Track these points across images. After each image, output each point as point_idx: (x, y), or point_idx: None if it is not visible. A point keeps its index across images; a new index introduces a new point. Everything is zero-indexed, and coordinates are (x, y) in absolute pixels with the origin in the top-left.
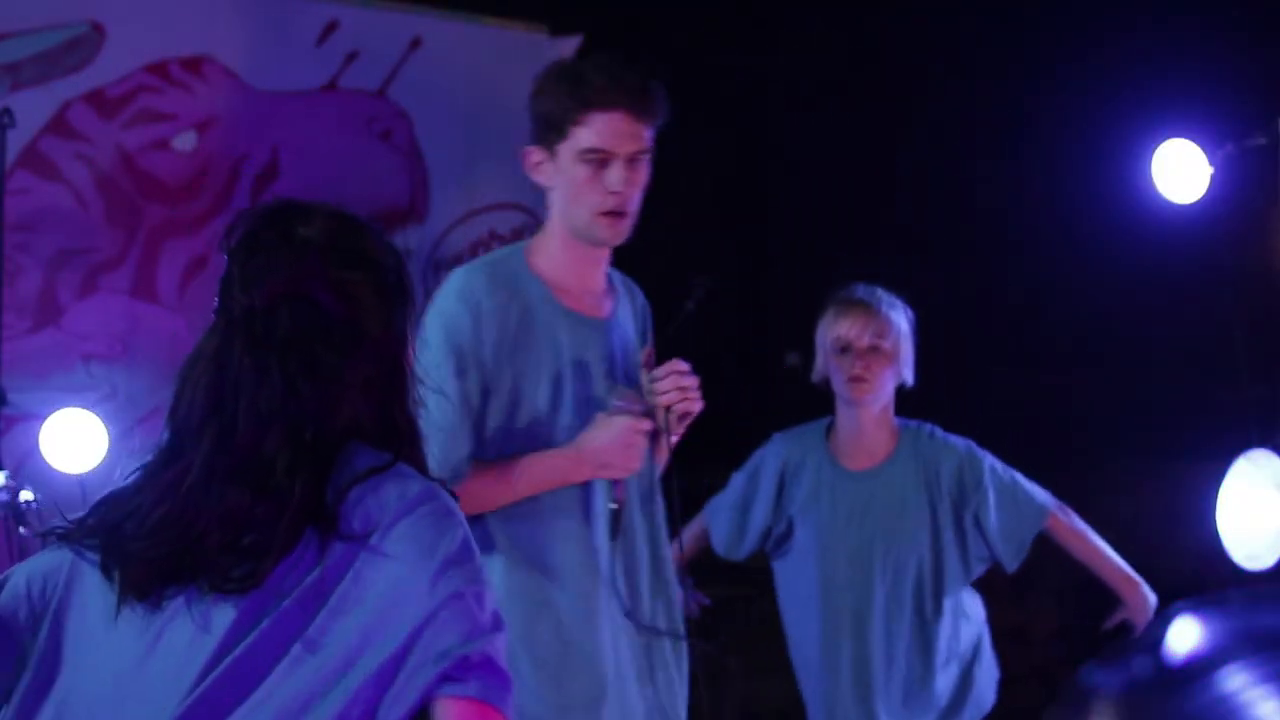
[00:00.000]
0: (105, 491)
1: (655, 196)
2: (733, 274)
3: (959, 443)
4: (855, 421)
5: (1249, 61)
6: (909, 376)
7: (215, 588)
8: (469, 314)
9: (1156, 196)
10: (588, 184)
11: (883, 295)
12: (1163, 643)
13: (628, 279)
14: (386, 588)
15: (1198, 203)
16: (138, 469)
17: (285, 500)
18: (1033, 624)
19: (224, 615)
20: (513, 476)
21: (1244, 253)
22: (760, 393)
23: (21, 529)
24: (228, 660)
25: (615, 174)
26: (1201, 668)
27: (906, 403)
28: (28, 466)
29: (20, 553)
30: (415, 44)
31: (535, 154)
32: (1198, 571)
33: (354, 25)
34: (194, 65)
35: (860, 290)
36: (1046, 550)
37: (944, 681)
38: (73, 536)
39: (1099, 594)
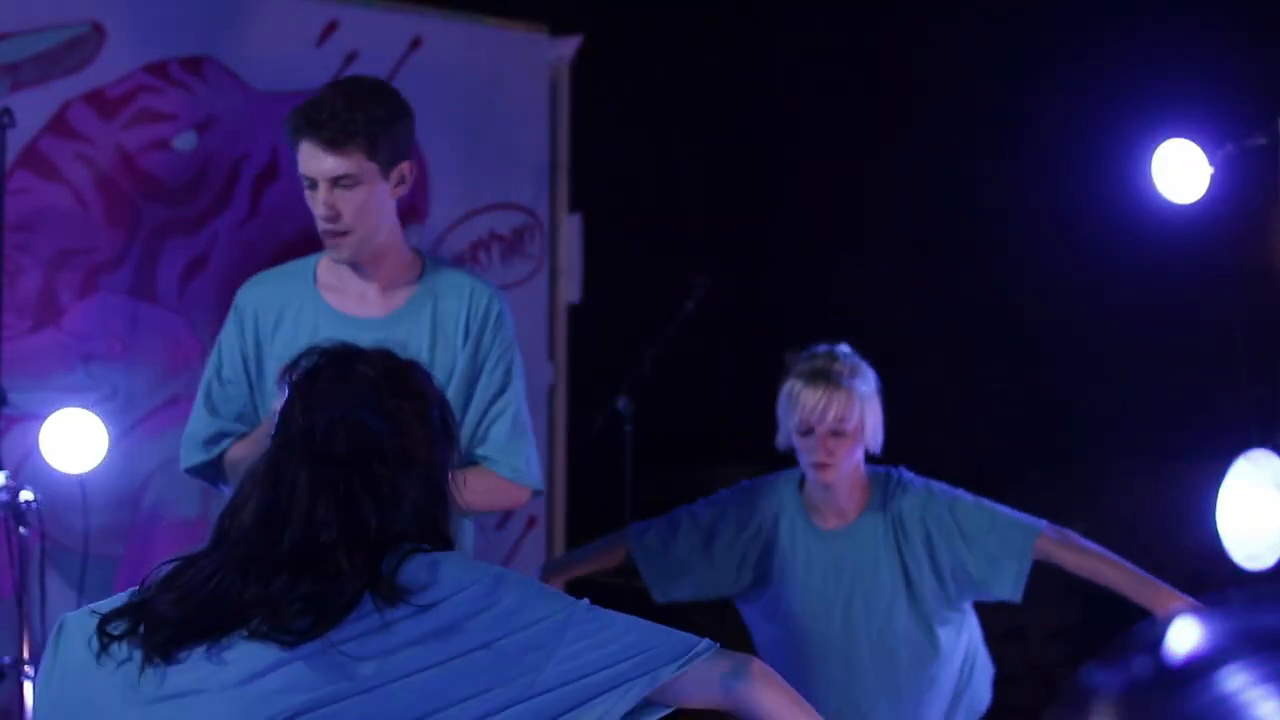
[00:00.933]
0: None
1: (655, 196)
2: (733, 274)
3: (920, 486)
4: (824, 489)
5: (1249, 61)
6: (876, 445)
7: (267, 634)
8: (234, 316)
9: (1156, 196)
10: (310, 206)
11: (845, 364)
12: (1163, 643)
13: (477, 284)
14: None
15: (1198, 203)
16: (172, 563)
17: (340, 572)
18: (1033, 624)
19: (256, 657)
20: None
21: (1244, 253)
22: (760, 393)
23: (21, 529)
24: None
25: (317, 197)
26: (1201, 668)
27: (907, 402)
28: (28, 466)
29: (20, 553)
30: (415, 44)
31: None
32: (1198, 571)
33: (354, 25)
34: (194, 65)
35: (821, 359)
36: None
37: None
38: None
39: (1099, 594)
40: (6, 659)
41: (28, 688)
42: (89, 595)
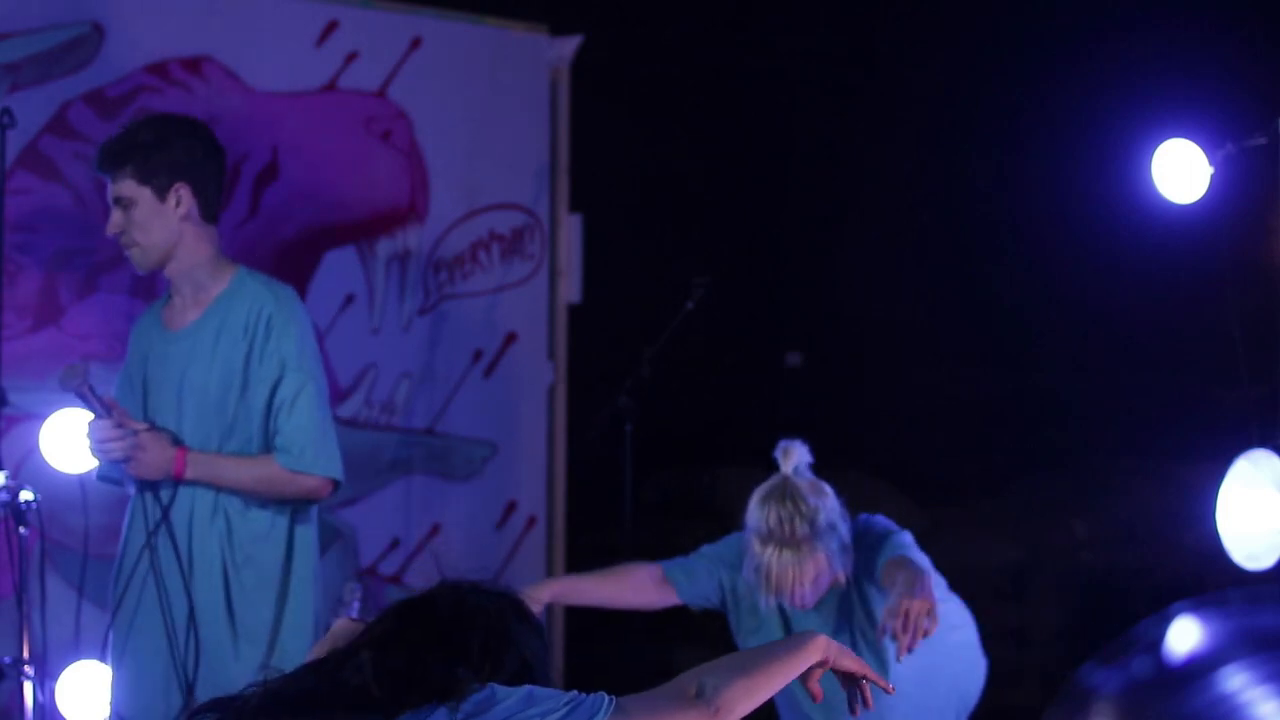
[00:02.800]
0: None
1: (655, 196)
2: (733, 274)
3: (886, 534)
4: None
5: (1249, 61)
6: (846, 568)
7: None
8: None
9: (1156, 196)
10: None
11: (804, 516)
12: (1163, 643)
13: (265, 291)
14: None
15: (1198, 203)
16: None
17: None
18: (1033, 624)
19: None
20: None
21: (1244, 253)
22: (760, 393)
23: (21, 529)
24: None
25: (111, 221)
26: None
27: (907, 402)
28: (28, 466)
29: (20, 553)
30: (415, 44)
31: None
32: (1198, 571)
33: (354, 25)
34: (194, 65)
35: (774, 510)
36: (1046, 550)
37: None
38: None
39: (1099, 594)
40: (6, 659)
41: (28, 688)
42: (89, 595)
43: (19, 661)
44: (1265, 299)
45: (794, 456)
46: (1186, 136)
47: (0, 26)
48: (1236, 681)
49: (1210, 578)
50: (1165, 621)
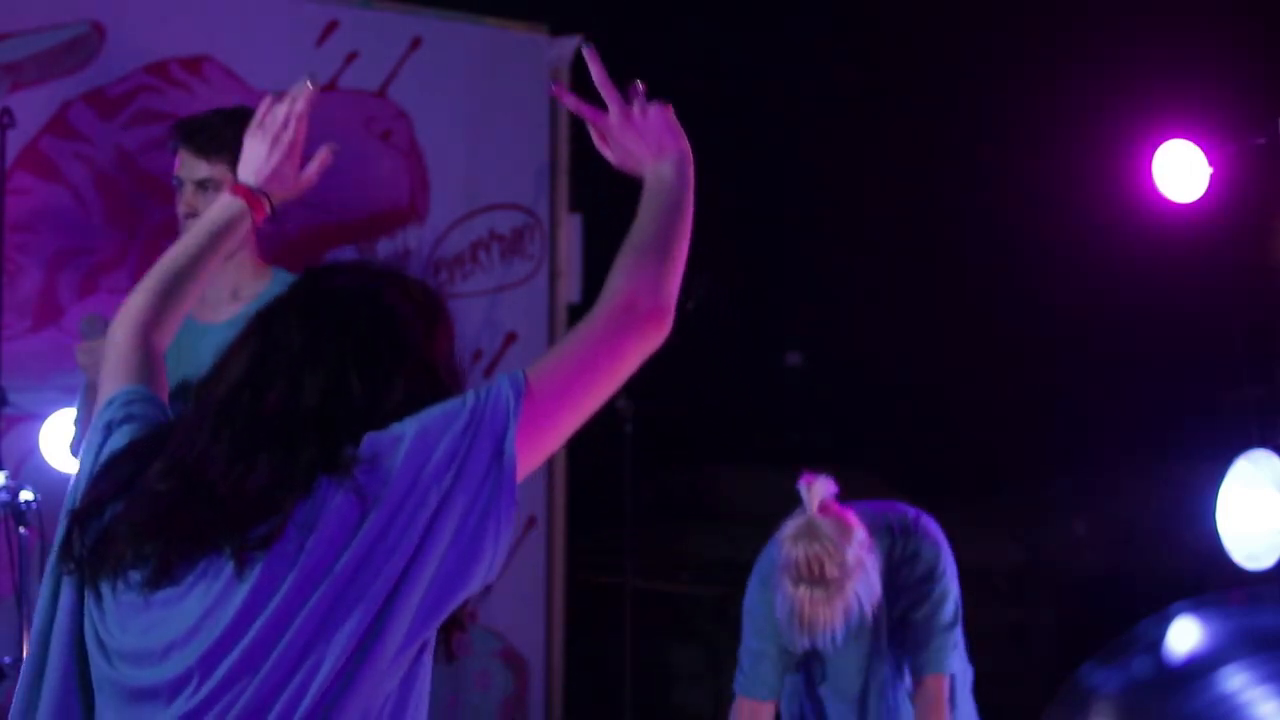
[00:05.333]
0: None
1: None
2: (733, 274)
3: (934, 545)
4: None
5: (1249, 61)
6: (871, 605)
7: (235, 553)
8: None
9: (1156, 196)
10: (177, 205)
11: (833, 556)
12: (1163, 643)
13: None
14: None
15: (1198, 203)
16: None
17: (302, 450)
18: (1033, 624)
19: (251, 570)
20: None
21: (1244, 253)
22: (760, 393)
23: (21, 529)
24: (272, 606)
25: (182, 195)
26: (1201, 668)
27: (908, 402)
28: (28, 466)
29: (20, 553)
30: (415, 44)
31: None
32: (1198, 571)
33: (354, 25)
34: (194, 65)
35: (803, 549)
36: (1046, 550)
37: None
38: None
39: (1099, 594)
40: (6, 659)
41: None
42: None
43: (19, 661)
44: (1265, 299)
45: (818, 492)
46: (1186, 136)
47: (0, 26)
48: (1236, 681)
49: (1210, 578)
50: (1165, 621)
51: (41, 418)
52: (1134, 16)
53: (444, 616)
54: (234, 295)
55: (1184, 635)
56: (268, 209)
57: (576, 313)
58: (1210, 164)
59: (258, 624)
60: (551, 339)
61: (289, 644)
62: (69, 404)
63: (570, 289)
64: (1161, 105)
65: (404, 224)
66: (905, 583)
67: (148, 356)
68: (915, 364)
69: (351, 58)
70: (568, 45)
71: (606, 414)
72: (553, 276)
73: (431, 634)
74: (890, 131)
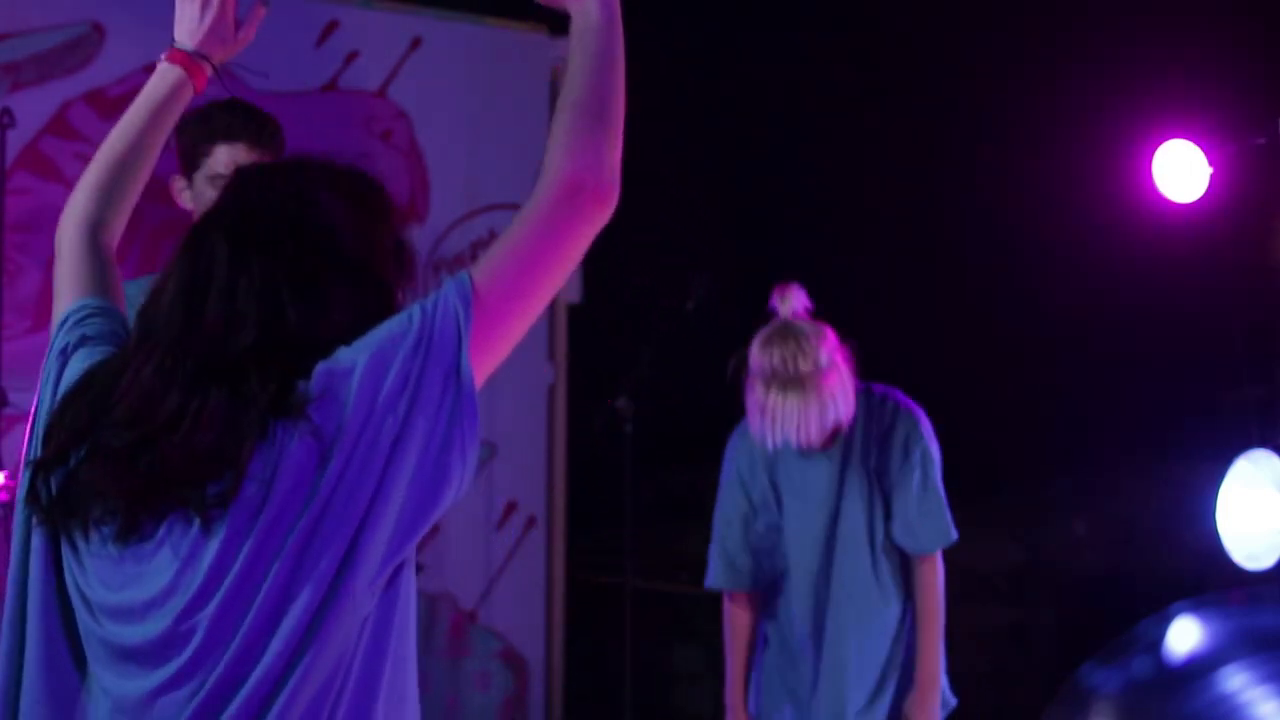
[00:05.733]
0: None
1: (655, 196)
2: (733, 274)
3: (910, 413)
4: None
5: (1249, 61)
6: (847, 411)
7: (198, 510)
8: None
9: (1156, 196)
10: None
11: (807, 355)
12: (1163, 643)
13: None
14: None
15: (1198, 203)
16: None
17: (252, 395)
18: (1033, 624)
19: (217, 525)
20: None
21: (1244, 253)
22: None
23: None
24: (237, 566)
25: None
26: (1201, 668)
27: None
28: None
29: None
30: (415, 44)
31: (177, 182)
32: (1198, 571)
33: (354, 25)
34: None
35: (778, 352)
36: (1046, 549)
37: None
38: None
39: (1099, 594)
40: None
41: None
42: None
43: None
44: (1265, 299)
45: (791, 300)
46: (1186, 136)
47: (0, 26)
48: (1236, 681)
49: (1210, 578)
50: (1165, 621)
51: None
52: (1134, 16)
53: (417, 539)
54: None
55: (1184, 635)
56: (209, 72)
57: (577, 312)
58: (1210, 164)
59: (229, 580)
60: (551, 339)
61: (264, 597)
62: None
63: (570, 289)
64: (1161, 105)
65: (404, 224)
66: (881, 446)
67: (100, 262)
68: (915, 364)
69: (351, 58)
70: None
71: (606, 414)
72: None
73: (410, 553)
74: (890, 131)
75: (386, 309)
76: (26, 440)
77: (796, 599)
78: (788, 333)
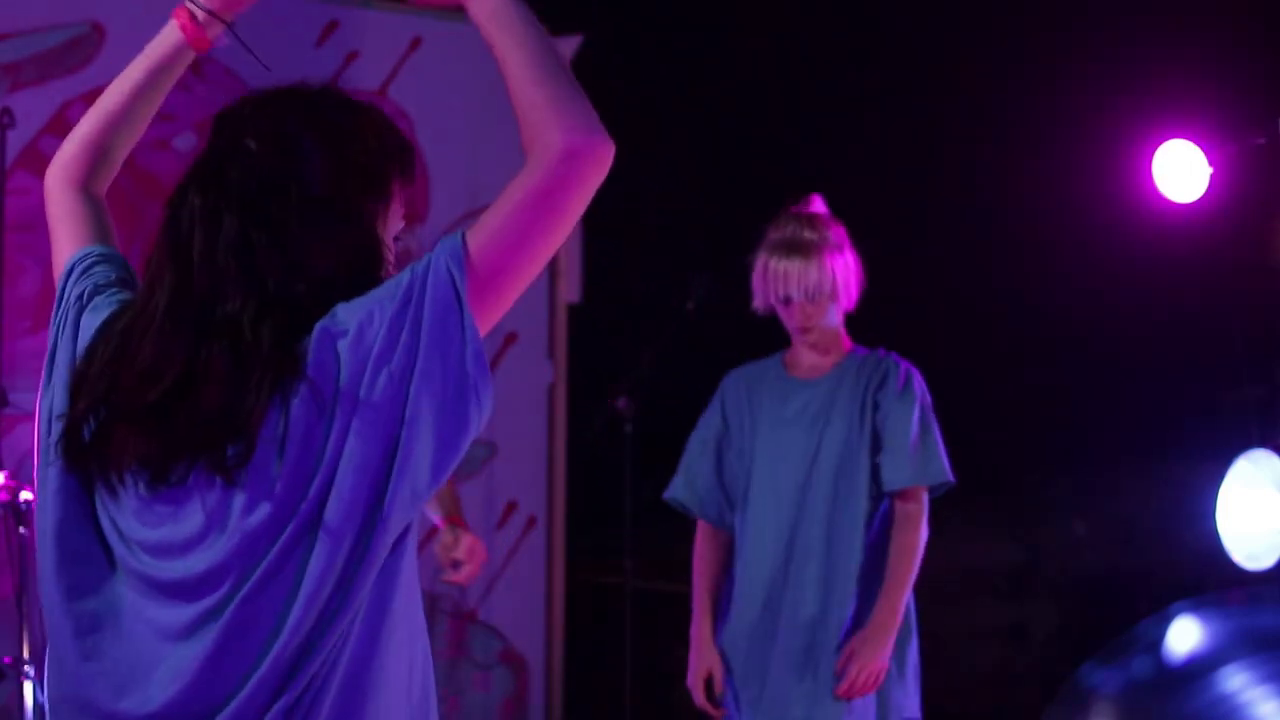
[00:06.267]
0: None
1: (655, 196)
2: (733, 274)
3: (909, 370)
4: (802, 345)
5: (1249, 61)
6: (850, 299)
7: (218, 471)
8: None
9: (1156, 196)
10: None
11: (815, 229)
12: (1163, 643)
13: None
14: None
15: (1198, 202)
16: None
17: (250, 357)
18: (1032, 624)
19: (240, 477)
20: None
21: (1244, 253)
22: None
23: (21, 529)
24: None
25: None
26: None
27: None
28: (28, 466)
29: (20, 553)
30: (415, 44)
31: None
32: (1198, 571)
33: (354, 25)
34: (194, 65)
35: (791, 226)
36: (1046, 549)
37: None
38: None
39: (1099, 594)
40: (6, 659)
41: (28, 688)
42: None
43: (19, 661)
44: (1265, 299)
45: (809, 201)
46: (1186, 136)
47: (0, 26)
48: (1236, 681)
49: (1210, 578)
50: (1165, 621)
51: None
52: (1134, 16)
53: (436, 490)
54: None
55: (1184, 635)
56: (218, 30)
57: (576, 313)
58: (1210, 164)
59: (252, 536)
60: (551, 339)
61: (283, 553)
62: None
63: (570, 289)
64: (1161, 105)
65: (405, 224)
66: (876, 386)
67: (94, 208)
68: (914, 363)
69: (351, 58)
70: (568, 45)
71: (606, 414)
72: (553, 276)
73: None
74: (890, 131)
75: (367, 248)
76: (43, 385)
77: (770, 529)
78: (799, 214)
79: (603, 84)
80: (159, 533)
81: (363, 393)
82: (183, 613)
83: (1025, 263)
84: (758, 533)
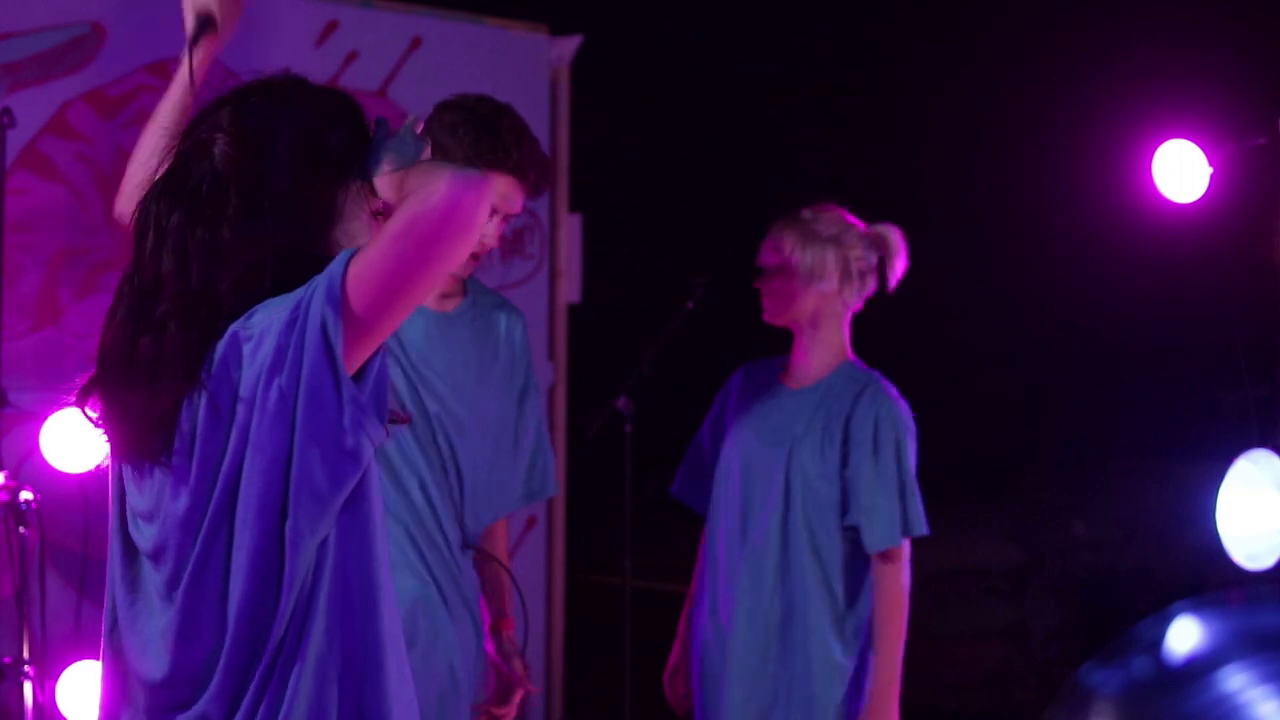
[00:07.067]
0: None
1: (655, 196)
2: (733, 274)
3: (891, 401)
4: (795, 344)
5: (1249, 61)
6: (828, 287)
7: (149, 458)
8: None
9: (1156, 196)
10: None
11: (814, 211)
12: (1163, 643)
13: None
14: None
15: (1198, 202)
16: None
17: (168, 354)
18: (1032, 623)
19: (167, 463)
20: None
21: (1244, 253)
22: None
23: (21, 529)
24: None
25: (493, 228)
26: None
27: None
28: (28, 466)
29: (20, 553)
30: (415, 44)
31: None
32: (1198, 571)
33: (354, 25)
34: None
35: (803, 211)
36: (1046, 549)
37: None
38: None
39: (1099, 594)
40: (6, 659)
41: (28, 688)
42: (89, 595)
43: (19, 661)
44: (1265, 299)
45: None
46: (1186, 136)
47: (0, 26)
48: (1236, 681)
49: (1210, 578)
50: (1165, 621)
51: (41, 418)
52: (1134, 17)
53: (335, 504)
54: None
55: (1184, 635)
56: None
57: (577, 312)
58: (1210, 164)
59: (181, 512)
60: (551, 339)
61: (208, 532)
62: (69, 404)
63: (570, 289)
64: (1161, 105)
65: None
66: (843, 427)
67: None
68: (914, 364)
69: (351, 58)
70: (568, 45)
71: (606, 414)
72: (553, 276)
73: (369, 470)
74: (889, 132)
75: (298, 247)
76: None
77: (724, 543)
78: (814, 205)
79: (603, 84)
80: (139, 501)
81: (258, 400)
82: (159, 576)
83: (1026, 263)
84: (712, 544)
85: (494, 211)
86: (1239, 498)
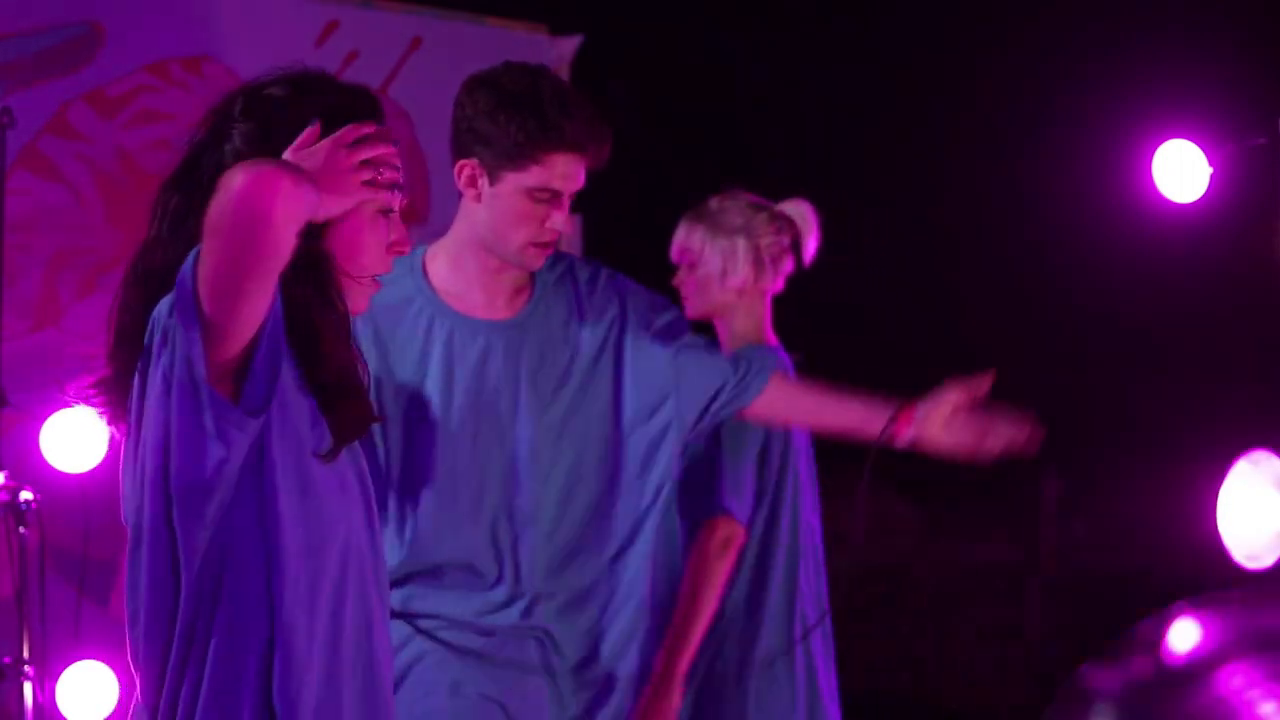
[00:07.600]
0: None
1: (655, 196)
2: None
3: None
4: (719, 336)
5: (1249, 61)
6: (733, 280)
7: (117, 418)
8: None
9: (1156, 196)
10: (530, 218)
11: (722, 200)
12: (1163, 643)
13: (576, 267)
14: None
15: (1198, 202)
16: None
17: (126, 323)
18: (1030, 623)
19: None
20: None
21: (1244, 253)
22: None
23: (21, 529)
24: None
25: (560, 215)
26: (1201, 668)
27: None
28: (28, 466)
29: (20, 553)
30: (415, 44)
31: (471, 169)
32: (1198, 571)
33: (354, 25)
34: (194, 65)
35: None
36: (1046, 550)
37: None
38: None
39: (1099, 594)
40: (6, 659)
41: (28, 688)
42: (89, 595)
43: (19, 661)
44: (1265, 299)
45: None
46: (1186, 136)
47: (0, 26)
48: (1236, 681)
49: (1210, 578)
50: (1165, 621)
51: (41, 418)
52: (1134, 17)
53: (212, 493)
54: (518, 292)
55: (1184, 635)
56: None
57: None
58: (1210, 164)
59: (127, 482)
60: None
61: (137, 504)
62: (69, 404)
63: None
64: (1161, 105)
65: (405, 224)
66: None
67: None
68: (914, 364)
69: (351, 57)
70: (568, 45)
71: None
72: None
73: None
74: (889, 132)
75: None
76: None
77: None
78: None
79: (603, 84)
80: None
81: (149, 381)
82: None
83: (1025, 263)
84: None
85: (557, 193)
86: (1239, 498)
